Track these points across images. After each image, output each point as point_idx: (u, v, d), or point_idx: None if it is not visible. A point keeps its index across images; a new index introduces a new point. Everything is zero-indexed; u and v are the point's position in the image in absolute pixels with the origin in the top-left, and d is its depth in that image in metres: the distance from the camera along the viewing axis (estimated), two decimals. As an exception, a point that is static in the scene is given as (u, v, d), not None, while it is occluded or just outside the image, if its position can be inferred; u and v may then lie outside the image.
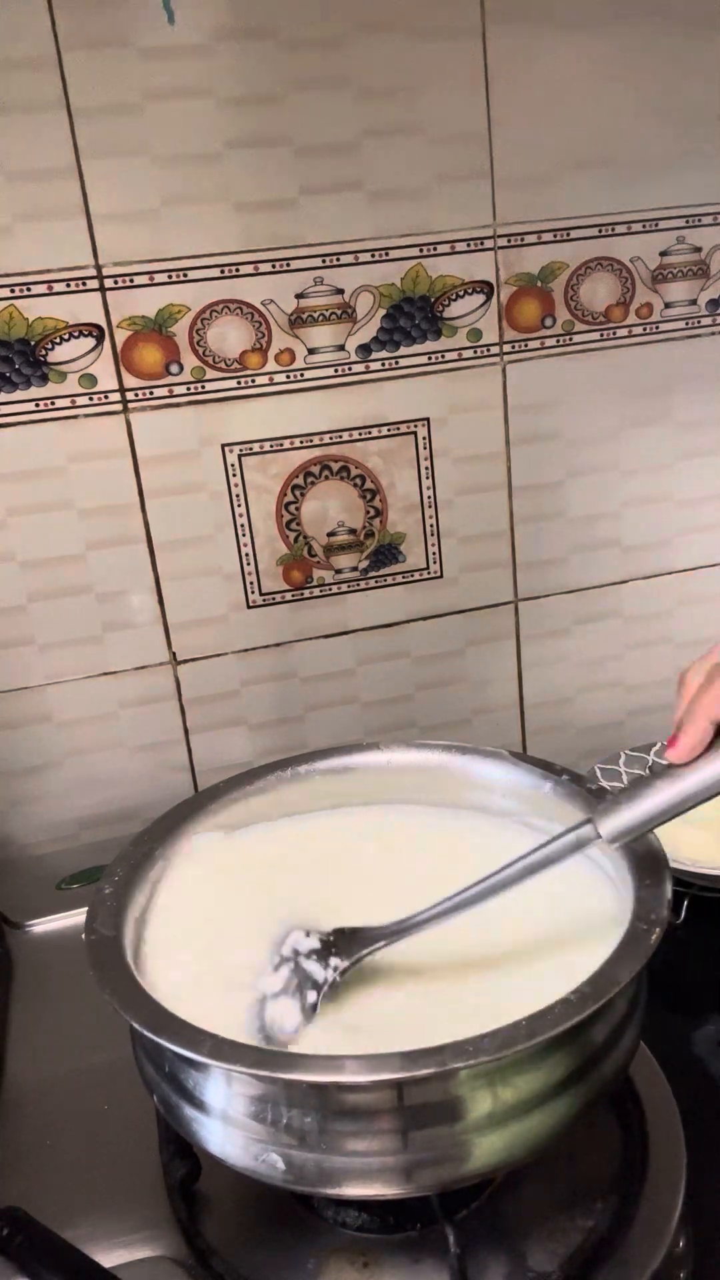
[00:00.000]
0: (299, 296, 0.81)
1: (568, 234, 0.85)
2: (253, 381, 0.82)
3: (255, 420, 0.84)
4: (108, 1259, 0.49)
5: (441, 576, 0.92)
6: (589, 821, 0.49)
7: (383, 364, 0.85)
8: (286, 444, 0.85)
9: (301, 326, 0.82)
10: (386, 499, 0.88)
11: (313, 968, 0.51)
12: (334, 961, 0.51)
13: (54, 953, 0.76)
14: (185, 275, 0.79)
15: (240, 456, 0.84)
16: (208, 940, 0.55)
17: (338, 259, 0.81)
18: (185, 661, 0.89)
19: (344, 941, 0.52)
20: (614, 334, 0.89)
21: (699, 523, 0.97)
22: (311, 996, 0.50)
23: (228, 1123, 0.45)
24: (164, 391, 0.81)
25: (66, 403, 0.79)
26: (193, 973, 0.53)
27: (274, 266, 0.80)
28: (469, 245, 0.83)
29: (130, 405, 0.81)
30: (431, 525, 0.90)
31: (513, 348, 0.87)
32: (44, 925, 0.78)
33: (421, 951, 0.53)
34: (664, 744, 0.49)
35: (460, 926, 0.54)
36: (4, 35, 0.71)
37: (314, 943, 0.52)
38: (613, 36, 0.81)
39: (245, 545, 0.87)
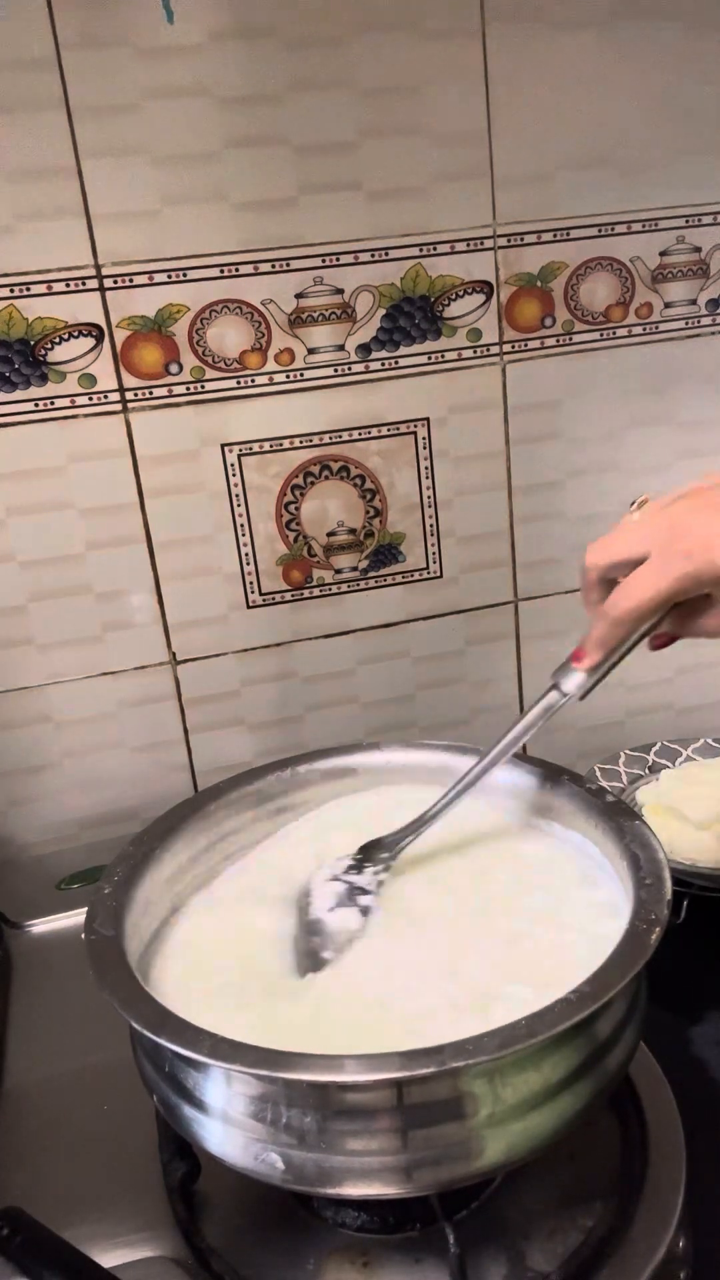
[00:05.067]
0: (299, 296, 0.81)
1: (568, 234, 0.85)
2: (252, 381, 0.82)
3: (255, 420, 0.84)
4: (108, 1259, 0.49)
5: (441, 576, 0.92)
6: (553, 687, 0.55)
7: (382, 364, 0.85)
8: (286, 444, 0.85)
9: (301, 326, 0.82)
10: (386, 499, 0.88)
11: (355, 877, 0.56)
12: (370, 868, 0.56)
13: (54, 953, 0.76)
14: (185, 275, 0.79)
15: (240, 456, 0.84)
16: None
17: (337, 259, 0.81)
18: (185, 661, 0.89)
19: (371, 851, 0.58)
20: (614, 334, 0.89)
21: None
22: (365, 900, 0.54)
23: (227, 1122, 0.45)
24: (163, 391, 0.81)
25: (66, 402, 0.79)
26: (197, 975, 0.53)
27: (274, 266, 0.80)
28: (469, 245, 0.83)
29: (130, 405, 0.81)
30: (431, 525, 0.90)
31: (512, 347, 0.87)
32: (44, 925, 0.78)
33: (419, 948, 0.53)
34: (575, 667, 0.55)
35: (459, 921, 0.54)
36: (4, 35, 0.71)
37: (345, 860, 0.57)
38: (613, 36, 0.81)
39: (245, 545, 0.87)
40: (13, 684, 0.85)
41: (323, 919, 0.54)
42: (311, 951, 0.53)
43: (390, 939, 0.54)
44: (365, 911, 0.55)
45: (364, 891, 0.56)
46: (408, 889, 0.57)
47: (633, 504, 0.54)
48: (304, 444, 0.85)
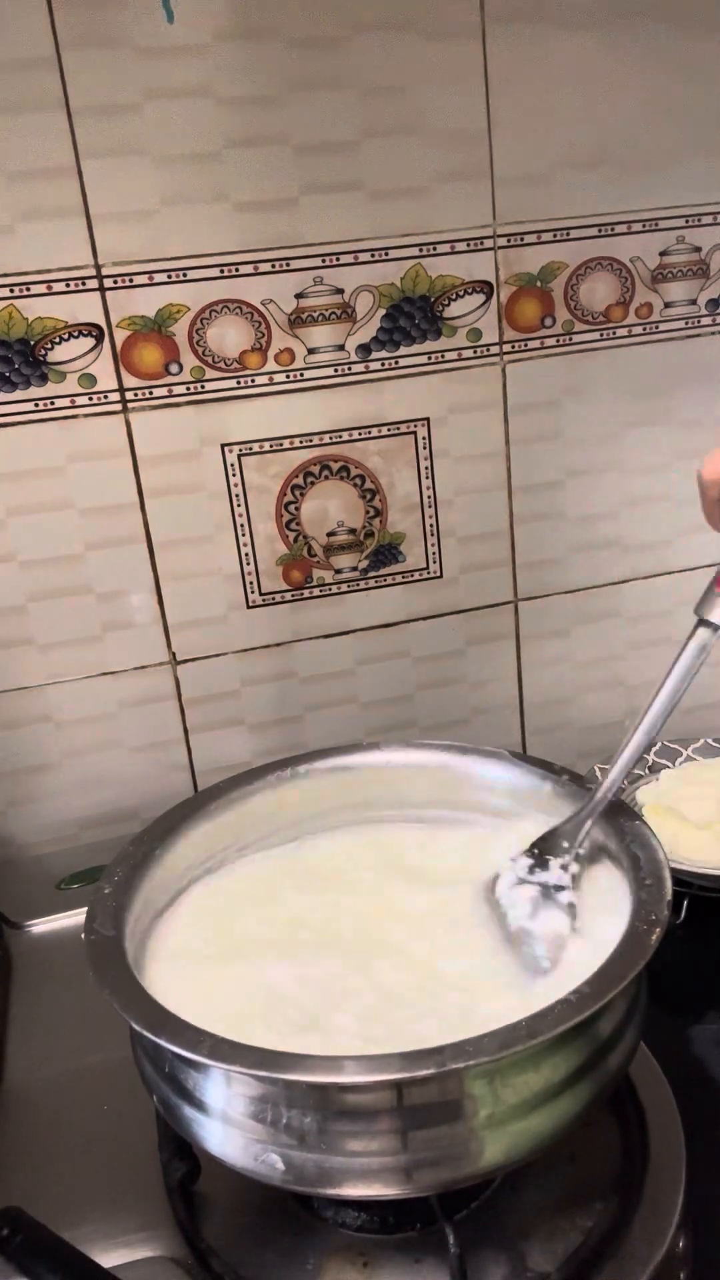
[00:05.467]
0: (299, 296, 0.81)
1: (567, 234, 0.85)
2: (252, 381, 0.82)
3: (255, 420, 0.83)
4: (108, 1259, 0.49)
5: (441, 576, 0.92)
6: (700, 623, 0.53)
7: (382, 364, 0.85)
8: (286, 444, 0.85)
9: (301, 326, 0.82)
10: (386, 499, 0.88)
11: (544, 875, 0.53)
12: (555, 862, 0.54)
13: (54, 953, 0.76)
14: (185, 275, 0.79)
15: (240, 456, 0.84)
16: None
17: (337, 259, 0.81)
18: (185, 661, 0.89)
19: (548, 844, 0.55)
20: (614, 334, 0.89)
21: (699, 523, 0.96)
22: (565, 896, 0.52)
23: (227, 1123, 0.45)
24: (163, 391, 0.81)
25: (66, 402, 0.79)
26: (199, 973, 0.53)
27: (274, 266, 0.80)
28: (469, 245, 0.83)
29: (130, 405, 0.81)
30: (431, 525, 0.90)
31: (512, 347, 0.87)
32: (44, 925, 0.78)
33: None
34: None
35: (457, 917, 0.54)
36: (4, 35, 0.71)
37: (526, 861, 0.54)
38: (612, 36, 0.81)
39: (245, 545, 0.87)
40: (13, 684, 0.85)
41: (528, 928, 0.52)
42: (531, 962, 0.51)
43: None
44: (571, 909, 0.52)
45: (560, 888, 0.53)
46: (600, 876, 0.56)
47: None
48: (304, 444, 0.85)
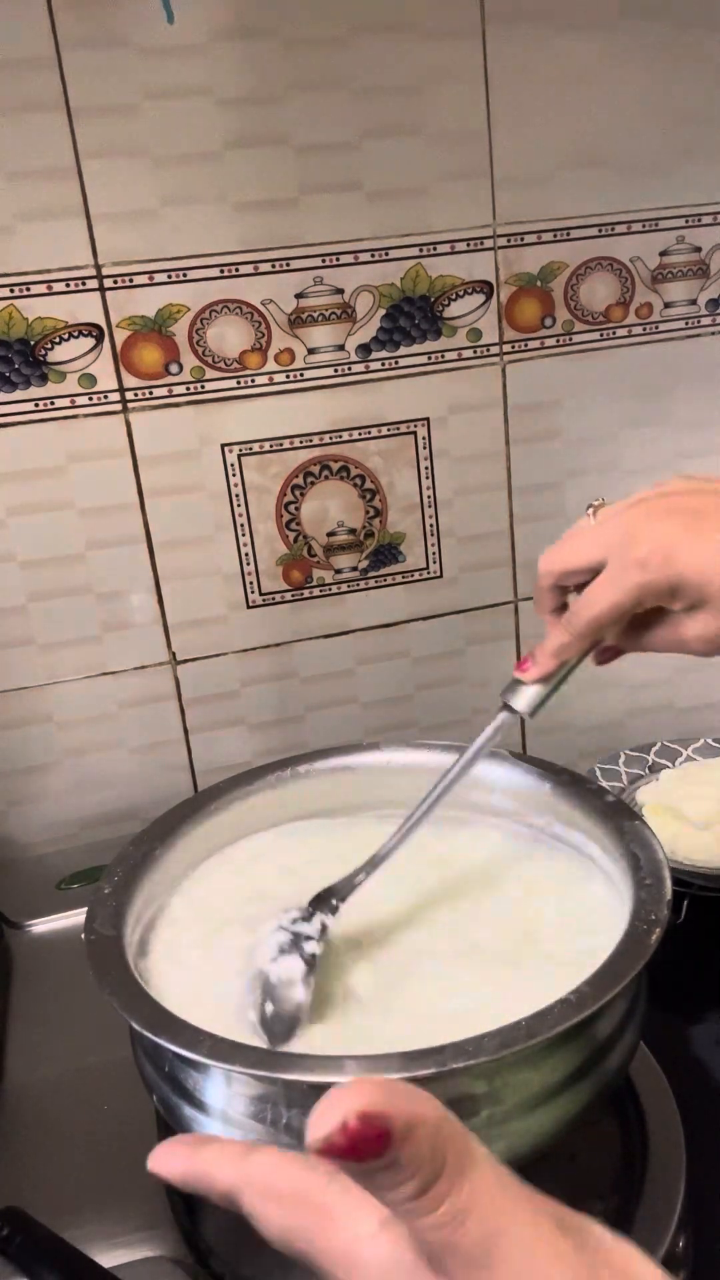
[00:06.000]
0: (299, 296, 0.81)
1: (567, 234, 0.85)
2: (252, 381, 0.82)
3: (255, 420, 0.84)
4: (108, 1259, 0.49)
5: (441, 576, 0.92)
6: (503, 707, 0.55)
7: (382, 364, 0.85)
8: (286, 444, 0.85)
9: (301, 326, 0.82)
10: (386, 499, 0.88)
11: (302, 926, 0.52)
12: (320, 916, 0.52)
13: (54, 953, 0.76)
14: (185, 275, 0.79)
15: (240, 456, 0.84)
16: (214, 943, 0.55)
17: (337, 259, 0.81)
18: (185, 661, 0.89)
19: (323, 899, 0.53)
20: (614, 334, 0.89)
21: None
22: (310, 946, 0.50)
23: (227, 1123, 0.45)
24: (163, 391, 0.81)
25: (66, 402, 0.79)
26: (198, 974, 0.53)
27: (274, 266, 0.80)
28: (469, 245, 0.83)
29: (130, 405, 0.81)
30: (431, 525, 0.90)
31: (512, 348, 0.87)
32: (44, 925, 0.78)
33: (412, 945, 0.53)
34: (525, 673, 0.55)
35: (455, 921, 0.54)
36: (4, 35, 0.71)
37: (294, 913, 0.53)
38: (612, 36, 0.81)
39: (245, 545, 0.87)
40: (13, 684, 0.85)
41: (270, 970, 0.50)
42: (267, 1005, 0.49)
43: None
44: (311, 960, 0.50)
45: (308, 938, 0.51)
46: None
47: (589, 509, 0.53)
48: (304, 444, 0.85)
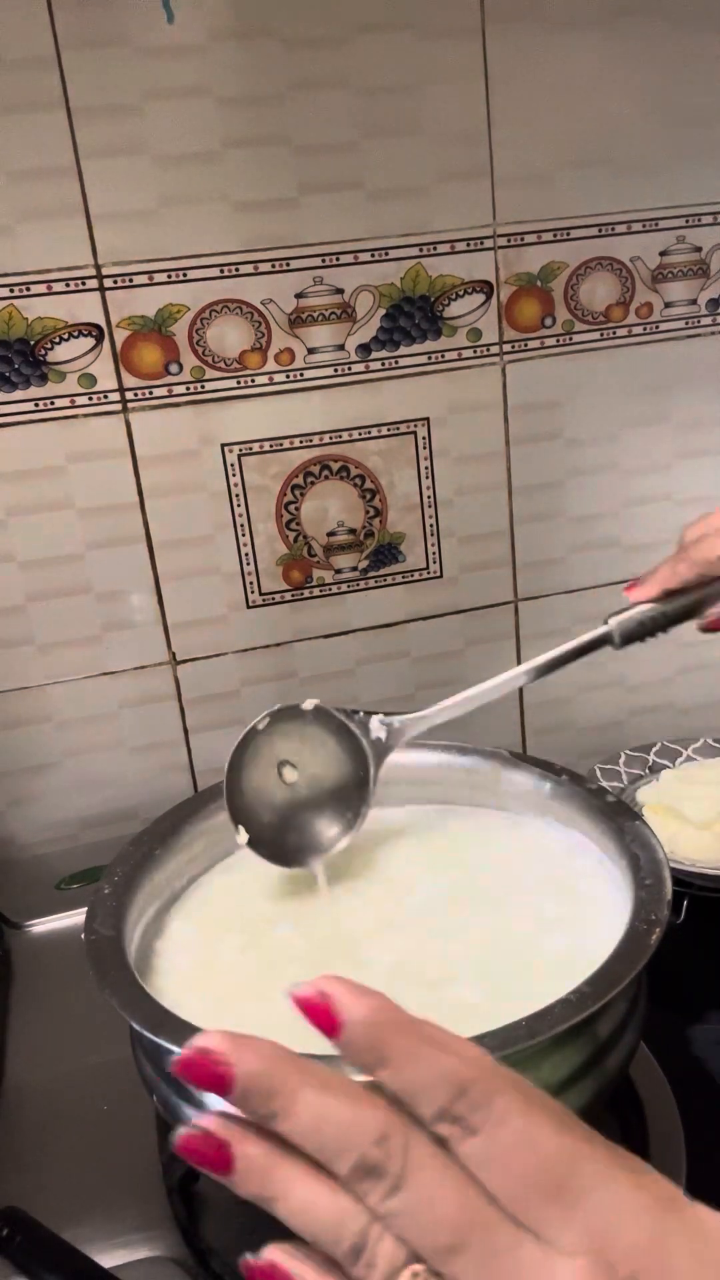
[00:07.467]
0: (298, 296, 0.81)
1: (567, 233, 0.85)
2: (252, 381, 0.82)
3: (255, 420, 0.83)
4: (108, 1259, 0.49)
5: (441, 576, 0.92)
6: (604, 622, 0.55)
7: (382, 364, 0.85)
8: (286, 444, 0.85)
9: (301, 326, 0.82)
10: (386, 499, 0.88)
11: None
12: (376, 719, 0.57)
13: (54, 953, 0.76)
14: (184, 275, 0.79)
15: (240, 456, 0.84)
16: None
17: (337, 259, 0.81)
18: (185, 661, 0.89)
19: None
20: (614, 334, 0.89)
21: (699, 522, 0.97)
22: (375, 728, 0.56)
23: (227, 1123, 0.45)
24: (163, 391, 0.81)
25: (66, 402, 0.79)
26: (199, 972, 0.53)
27: (273, 266, 0.80)
28: (469, 245, 0.83)
29: (130, 405, 0.81)
30: (431, 525, 0.90)
31: (512, 347, 0.87)
32: (44, 925, 0.78)
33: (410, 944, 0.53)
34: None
35: (454, 918, 0.54)
36: (4, 35, 0.71)
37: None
38: (612, 36, 0.81)
39: (245, 545, 0.87)
40: (13, 684, 0.85)
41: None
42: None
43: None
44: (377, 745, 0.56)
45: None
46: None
47: None
48: (304, 444, 0.85)
